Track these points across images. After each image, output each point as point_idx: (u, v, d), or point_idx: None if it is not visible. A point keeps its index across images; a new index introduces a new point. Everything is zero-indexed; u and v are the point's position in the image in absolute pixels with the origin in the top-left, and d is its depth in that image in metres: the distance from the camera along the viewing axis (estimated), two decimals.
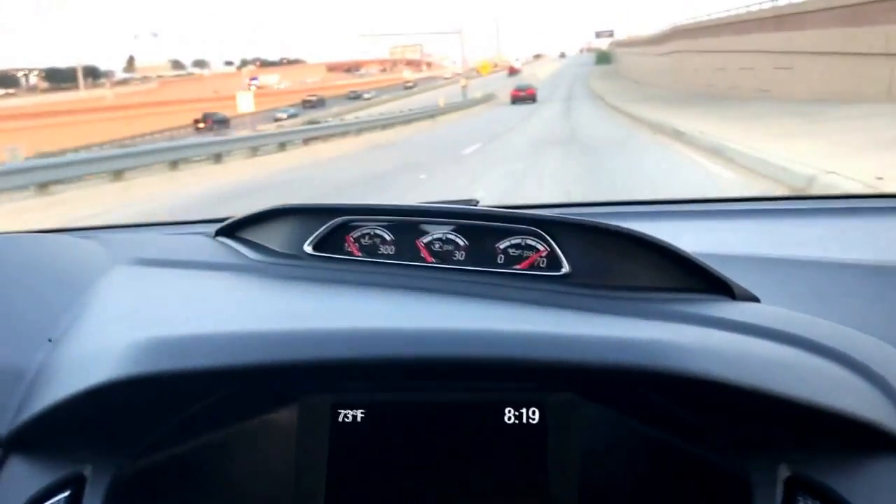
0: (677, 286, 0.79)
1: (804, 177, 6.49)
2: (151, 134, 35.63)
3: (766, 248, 1.10)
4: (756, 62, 22.41)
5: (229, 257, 0.95)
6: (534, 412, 0.69)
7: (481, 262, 0.83)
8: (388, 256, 0.87)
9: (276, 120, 38.14)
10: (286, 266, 0.89)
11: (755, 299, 0.79)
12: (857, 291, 0.87)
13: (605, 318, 0.72)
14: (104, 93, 58.01)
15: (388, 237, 0.87)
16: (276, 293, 0.84)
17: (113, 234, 1.24)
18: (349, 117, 30.23)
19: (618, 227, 0.79)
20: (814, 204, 1.43)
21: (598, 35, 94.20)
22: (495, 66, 76.92)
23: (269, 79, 71.47)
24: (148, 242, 1.08)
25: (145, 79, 70.24)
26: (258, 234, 0.99)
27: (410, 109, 30.53)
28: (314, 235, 0.90)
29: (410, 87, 65.26)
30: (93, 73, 65.58)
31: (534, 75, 62.56)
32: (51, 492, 0.63)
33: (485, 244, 0.83)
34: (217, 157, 14.53)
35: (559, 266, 0.80)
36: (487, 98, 40.14)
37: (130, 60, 78.45)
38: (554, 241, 0.80)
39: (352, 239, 0.89)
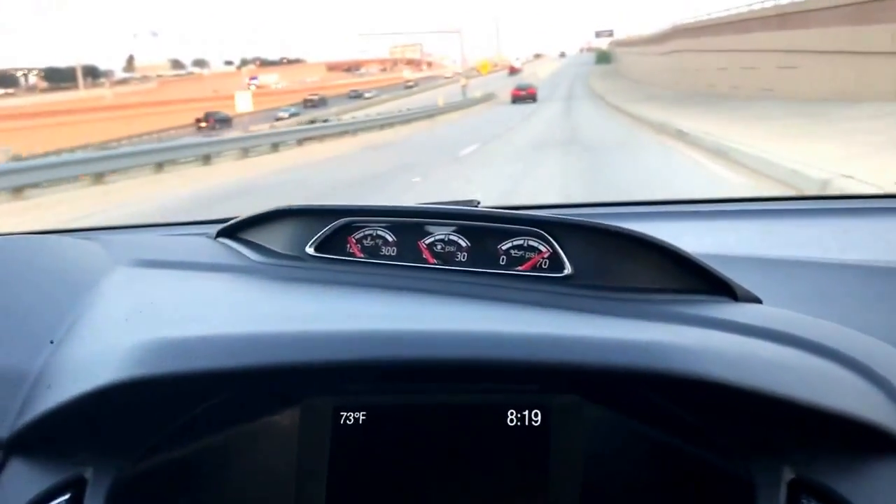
0: (679, 287, 0.78)
1: (817, 181, 6.10)
2: (149, 134, 35.36)
3: (767, 248, 1.10)
4: (759, 61, 22.13)
5: (231, 258, 0.94)
6: (536, 414, 0.67)
7: (483, 263, 0.82)
8: (389, 257, 0.86)
9: (278, 119, 38.24)
10: (288, 267, 0.88)
11: (757, 300, 0.78)
12: (860, 292, 0.87)
13: (608, 320, 0.72)
14: (103, 92, 57.73)
15: (389, 238, 0.86)
16: (278, 295, 0.83)
17: (114, 235, 1.22)
18: (349, 116, 29.96)
19: (620, 228, 0.78)
20: (815, 204, 1.42)
21: (598, 35, 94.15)
22: (495, 65, 76.73)
23: (268, 78, 71.20)
24: (149, 243, 1.07)
25: (145, 78, 70.03)
26: (260, 236, 0.97)
27: (409, 109, 30.22)
28: (316, 237, 0.89)
29: (411, 87, 65.44)
30: (92, 73, 65.39)
31: (534, 74, 62.64)
32: (51, 494, 0.62)
33: (487, 245, 0.83)
34: (206, 159, 14.06)
35: (561, 267, 0.79)
36: (487, 97, 39.86)
37: (130, 60, 78.30)
38: (556, 242, 0.80)
39: (354, 240, 0.88)
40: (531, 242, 0.81)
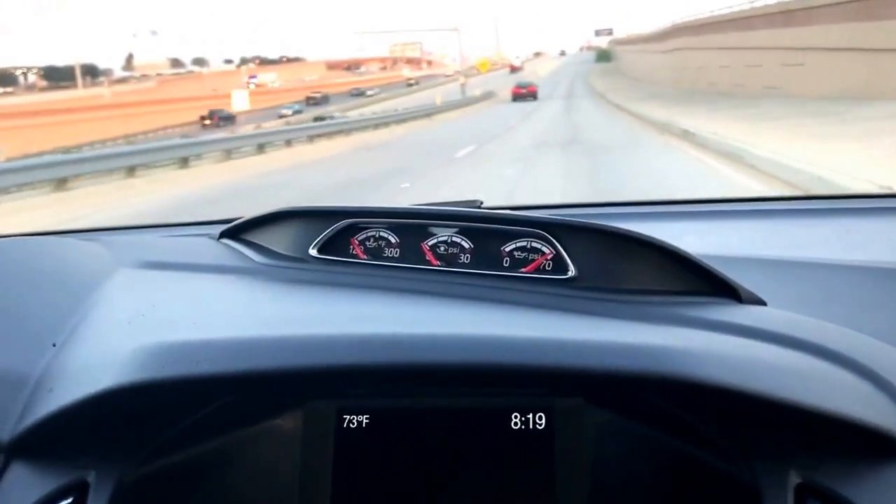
0: (683, 289, 0.78)
1: (849, 191, 5.42)
2: (146, 133, 34.78)
3: (771, 249, 1.09)
4: (763, 59, 21.60)
5: (234, 260, 0.92)
6: (540, 417, 0.66)
7: (487, 265, 0.82)
8: (392, 259, 0.85)
9: (282, 116, 38.02)
10: (291, 269, 0.87)
11: (761, 302, 0.78)
12: (864, 293, 0.86)
13: (612, 323, 0.71)
14: (102, 91, 57.10)
15: (392, 240, 0.86)
16: (281, 297, 0.82)
17: (116, 237, 1.22)
18: (355, 113, 29.43)
19: (624, 229, 0.78)
20: (819, 204, 1.43)
21: (598, 33, 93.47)
22: (494, 64, 76.21)
23: (267, 77, 70.65)
24: (151, 244, 1.06)
25: (144, 77, 69.40)
26: (262, 237, 0.96)
27: (405, 108, 29.51)
28: (319, 238, 0.88)
29: (412, 85, 65.35)
30: (91, 72, 64.70)
31: (534, 73, 62.38)
32: (53, 498, 0.62)
33: (490, 247, 0.82)
34: (183, 162, 12.99)
35: (565, 269, 0.79)
36: (487, 96, 39.26)
37: (129, 58, 77.58)
38: (559, 243, 0.79)
39: (356, 242, 0.87)
40: (534, 244, 0.80)
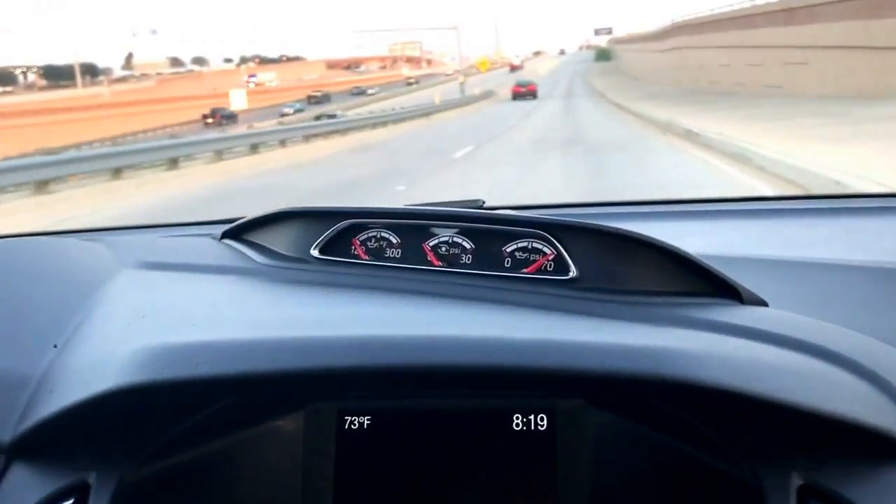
0: (685, 290, 0.77)
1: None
2: (145, 132, 34.45)
3: (773, 249, 1.08)
4: (764, 58, 21.29)
5: (235, 260, 0.91)
6: (542, 419, 0.66)
7: (488, 265, 0.81)
8: (394, 260, 0.85)
9: (283, 114, 38.09)
10: (292, 270, 0.86)
11: (763, 303, 0.77)
12: (866, 294, 0.86)
13: (613, 324, 0.70)
14: (101, 90, 56.71)
15: (394, 240, 0.85)
16: (282, 298, 0.82)
17: (119, 237, 1.22)
18: (353, 113, 29.10)
19: (625, 230, 0.77)
20: (821, 203, 1.41)
21: (598, 32, 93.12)
22: (493, 63, 75.88)
23: (266, 76, 70.27)
24: (153, 245, 1.06)
25: (144, 76, 68.99)
26: (264, 237, 0.95)
27: (403, 108, 29.13)
28: (320, 239, 0.87)
29: (412, 84, 65.30)
30: (91, 71, 64.31)
31: (534, 71, 62.71)
32: (54, 499, 0.62)
33: (491, 247, 0.82)
34: (172, 163, 12.41)
35: (566, 270, 0.78)
36: (486, 95, 38.89)
37: (129, 58, 77.19)
38: (561, 244, 0.79)
39: (358, 242, 0.86)
40: (535, 244, 0.79)
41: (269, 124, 28.02)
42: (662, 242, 0.77)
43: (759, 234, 1.21)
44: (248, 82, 64.09)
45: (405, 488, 0.66)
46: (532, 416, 0.66)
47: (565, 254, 0.78)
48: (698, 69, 27.79)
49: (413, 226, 0.85)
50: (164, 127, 36.15)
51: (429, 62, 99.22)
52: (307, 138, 17.35)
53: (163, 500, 0.66)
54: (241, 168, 12.23)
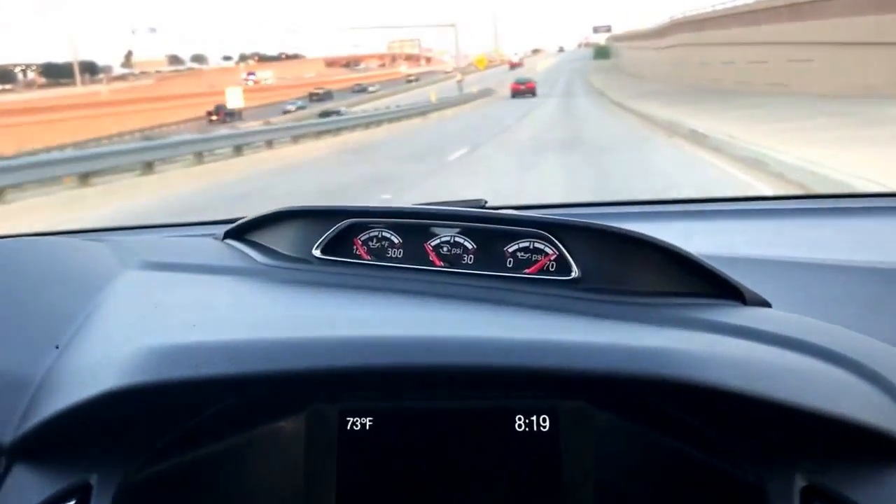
0: (687, 291, 0.76)
1: None
2: (143, 131, 33.67)
3: (776, 249, 1.07)
4: (768, 55, 20.61)
5: (237, 261, 0.90)
6: (544, 420, 0.65)
7: (490, 265, 0.80)
8: (396, 260, 0.84)
9: (286, 112, 37.88)
10: (294, 270, 0.85)
11: (766, 304, 0.76)
12: (870, 295, 0.85)
13: (616, 325, 0.70)
14: (99, 88, 55.98)
15: (395, 240, 0.84)
16: (284, 299, 0.81)
17: (122, 237, 1.20)
18: (358, 108, 28.67)
19: (627, 230, 0.77)
20: (825, 203, 1.39)
21: (596, 30, 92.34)
22: (491, 61, 75.20)
23: (264, 74, 69.59)
24: (156, 245, 1.05)
25: (143, 74, 68.27)
26: (266, 237, 0.93)
27: (398, 106, 28.36)
28: (322, 239, 0.86)
29: (412, 81, 65.12)
30: (90, 69, 63.58)
31: (532, 69, 62.22)
32: (56, 501, 0.61)
33: (493, 247, 0.81)
34: (147, 167, 11.17)
35: (569, 270, 0.77)
36: (485, 93, 38.11)
37: (128, 56, 76.41)
38: (563, 244, 0.78)
39: (360, 242, 0.85)
40: (538, 245, 0.79)
41: (275, 121, 27.54)
42: (665, 243, 0.75)
43: (762, 234, 1.20)
44: (246, 80, 63.52)
45: (407, 489, 0.65)
46: (534, 418, 0.65)
47: (567, 254, 0.77)
48: (699, 67, 27.18)
49: (415, 226, 0.83)
50: (160, 126, 35.50)
51: (428, 60, 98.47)
52: (295, 139, 16.39)
53: (164, 501, 0.65)
54: (222, 172, 11.35)
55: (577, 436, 0.65)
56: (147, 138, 16.52)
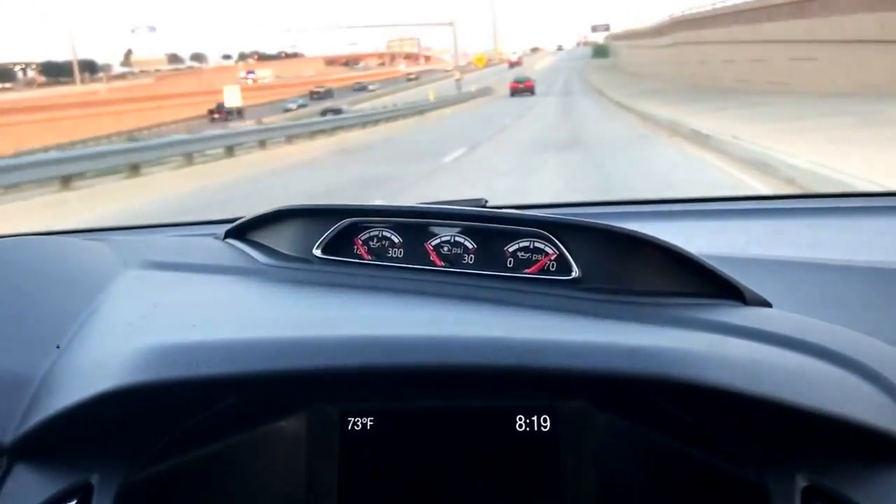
0: (688, 290, 0.76)
1: None
2: (140, 130, 33.32)
3: (777, 249, 1.07)
4: (769, 53, 20.24)
5: (237, 261, 0.89)
6: (545, 420, 0.65)
7: (490, 265, 0.80)
8: (397, 260, 0.83)
9: (287, 110, 37.90)
10: (295, 270, 0.84)
11: (767, 304, 0.76)
12: (871, 294, 0.84)
13: (616, 325, 0.69)
14: (98, 87, 55.57)
15: (396, 240, 0.84)
16: (284, 298, 0.80)
17: (122, 237, 1.18)
18: (360, 106, 28.66)
19: (628, 230, 0.76)
20: (826, 203, 1.37)
21: (595, 29, 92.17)
22: (489, 60, 74.81)
23: (262, 73, 69.19)
24: (157, 245, 1.04)
25: (143, 73, 67.86)
26: (266, 237, 0.93)
27: (395, 105, 27.99)
28: (322, 238, 0.85)
29: (413, 79, 65.07)
30: (90, 68, 63.19)
31: (530, 68, 62.01)
32: (57, 501, 0.61)
33: (493, 247, 0.80)
34: (133, 170, 10.62)
35: (569, 270, 0.77)
36: (483, 92, 37.75)
37: (128, 54, 75.99)
38: (563, 244, 0.78)
39: (360, 242, 0.85)
40: (538, 244, 0.78)
41: (276, 119, 27.26)
42: (665, 242, 0.75)
43: (762, 233, 1.20)
44: (246, 78, 63.20)
45: (409, 489, 0.65)
46: (535, 418, 0.64)
47: (567, 254, 0.77)
48: (699, 65, 26.85)
49: (415, 225, 0.82)
50: (159, 125, 35.18)
51: (427, 59, 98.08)
52: (290, 139, 15.97)
53: (166, 501, 0.64)
54: (211, 174, 10.93)
55: (578, 436, 0.64)
56: (133, 139, 15.79)
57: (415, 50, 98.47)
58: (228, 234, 0.97)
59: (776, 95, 16.38)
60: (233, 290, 0.81)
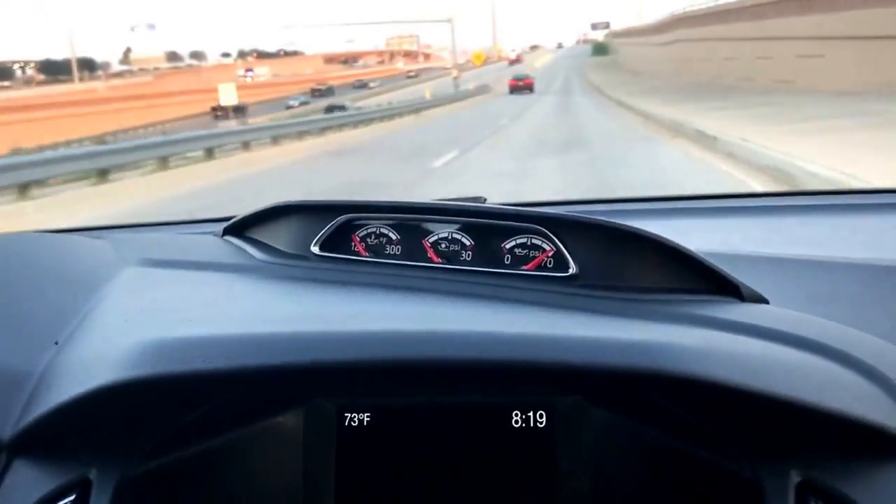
0: (685, 287, 0.76)
1: None
2: (136, 129, 32.67)
3: (774, 246, 1.08)
4: (774, 50, 19.51)
5: (236, 258, 0.89)
6: (541, 416, 0.65)
7: (488, 262, 0.80)
8: (394, 256, 0.83)
9: (289, 107, 37.73)
10: (293, 267, 0.84)
11: (763, 300, 0.76)
12: (867, 292, 0.85)
13: (613, 321, 0.69)
14: (96, 85, 54.91)
15: (394, 237, 0.84)
16: (281, 295, 0.80)
17: (122, 234, 1.15)
18: (362, 103, 28.48)
19: (624, 226, 0.76)
20: (823, 200, 1.37)
21: (595, 27, 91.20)
22: (489, 58, 74.10)
23: (260, 71, 68.56)
24: (157, 242, 1.04)
25: (141, 71, 67.17)
26: (265, 233, 0.93)
27: (390, 104, 27.23)
28: (320, 234, 0.85)
29: (413, 77, 64.95)
30: (89, 66, 62.48)
31: (530, 66, 61.34)
32: (56, 496, 0.61)
33: (491, 244, 0.80)
34: (101, 176, 9.56)
35: (566, 267, 0.77)
36: (482, 90, 37.04)
37: (127, 52, 75.27)
38: (560, 240, 0.77)
39: (358, 238, 0.85)
40: (535, 241, 0.78)
41: (280, 116, 26.89)
42: (663, 238, 0.75)
43: (759, 231, 1.19)
44: (244, 76, 62.60)
45: (405, 484, 0.65)
46: (531, 413, 0.64)
47: (565, 250, 0.76)
48: (701, 63, 26.20)
49: (413, 222, 0.82)
50: (159, 123, 34.56)
51: (426, 56, 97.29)
52: (276, 140, 15.10)
53: (164, 496, 0.64)
54: (184, 180, 10.04)
55: (574, 431, 0.64)
56: (101, 142, 14.79)
57: (414, 48, 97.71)
58: (227, 232, 0.96)
59: (782, 94, 15.65)
60: (230, 286, 0.80)
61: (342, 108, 26.00)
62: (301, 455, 0.65)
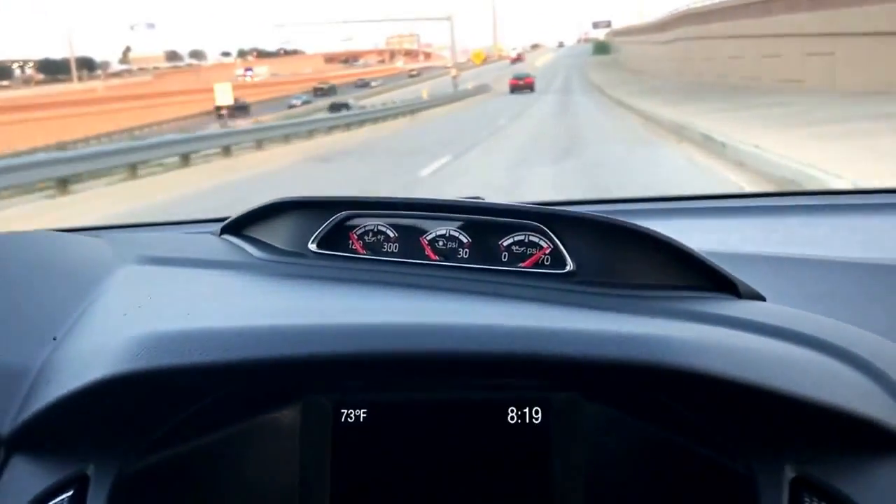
0: (682, 284, 0.76)
1: None
2: (141, 128, 32.10)
3: (771, 245, 1.08)
4: (781, 48, 18.74)
5: (234, 255, 0.89)
6: (537, 412, 0.65)
7: (485, 259, 0.79)
8: (391, 254, 0.83)
9: (291, 106, 37.30)
10: (290, 264, 0.84)
11: (760, 298, 0.76)
12: (864, 290, 0.85)
13: (609, 316, 0.69)
14: (95, 85, 54.33)
15: (391, 234, 0.83)
16: (278, 291, 0.80)
17: (120, 234, 1.20)
18: (365, 101, 28.25)
19: (622, 222, 0.76)
20: (822, 200, 1.37)
21: (596, 25, 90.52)
22: (489, 57, 73.38)
23: (259, 70, 67.96)
24: (154, 241, 1.04)
25: (141, 70, 66.61)
26: (262, 231, 0.93)
27: (384, 104, 26.55)
28: (317, 232, 0.85)
29: (414, 76, 64.66)
30: (88, 65, 61.91)
31: (530, 64, 60.78)
32: (54, 492, 0.61)
33: (488, 241, 0.80)
34: (62, 186, 8.73)
35: (563, 264, 0.76)
36: (481, 90, 36.30)
37: (126, 52, 74.71)
38: (557, 237, 0.77)
39: (355, 236, 0.84)
40: (532, 238, 0.78)
41: (280, 116, 26.41)
42: (660, 235, 0.74)
43: (756, 231, 1.19)
44: (244, 75, 61.98)
45: (401, 481, 0.65)
46: (527, 409, 0.64)
47: (562, 247, 0.76)
48: (705, 62, 25.43)
49: (410, 219, 0.82)
50: (157, 123, 33.98)
51: (427, 55, 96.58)
52: (259, 143, 14.30)
53: (161, 491, 0.64)
54: (155, 189, 9.22)
55: (569, 427, 0.64)
56: (61, 148, 13.71)
57: (414, 47, 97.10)
58: (224, 230, 0.96)
59: (790, 94, 14.92)
60: (228, 283, 0.80)
61: (346, 106, 25.72)
62: (297, 451, 0.64)
